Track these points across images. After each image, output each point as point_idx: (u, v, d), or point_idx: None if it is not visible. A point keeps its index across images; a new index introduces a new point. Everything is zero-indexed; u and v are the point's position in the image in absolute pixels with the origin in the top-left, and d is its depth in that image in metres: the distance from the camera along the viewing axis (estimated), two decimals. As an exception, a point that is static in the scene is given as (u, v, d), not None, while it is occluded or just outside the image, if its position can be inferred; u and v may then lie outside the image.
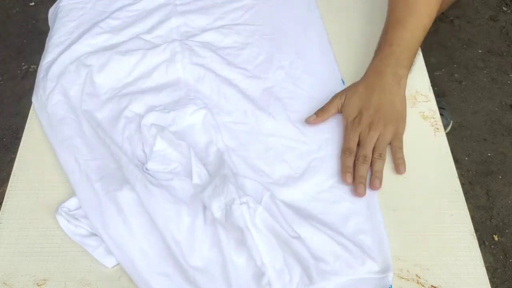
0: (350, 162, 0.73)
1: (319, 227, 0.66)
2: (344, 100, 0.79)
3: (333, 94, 0.82)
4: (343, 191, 0.72)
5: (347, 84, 0.84)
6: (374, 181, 0.72)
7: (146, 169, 0.71)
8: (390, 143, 0.76)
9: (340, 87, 0.84)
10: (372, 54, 0.85)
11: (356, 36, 0.94)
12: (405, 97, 0.80)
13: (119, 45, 0.88)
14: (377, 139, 0.75)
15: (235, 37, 0.92)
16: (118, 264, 0.66)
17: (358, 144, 0.75)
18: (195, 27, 0.93)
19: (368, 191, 0.71)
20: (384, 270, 0.64)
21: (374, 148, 0.75)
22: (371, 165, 0.74)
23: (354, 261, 0.64)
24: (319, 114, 0.79)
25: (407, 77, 0.80)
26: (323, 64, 0.88)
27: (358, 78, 0.85)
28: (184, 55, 0.86)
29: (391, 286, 0.63)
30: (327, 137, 0.78)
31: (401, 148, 0.76)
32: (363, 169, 0.72)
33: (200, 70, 0.85)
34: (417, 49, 0.83)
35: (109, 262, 0.65)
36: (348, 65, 0.89)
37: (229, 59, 0.88)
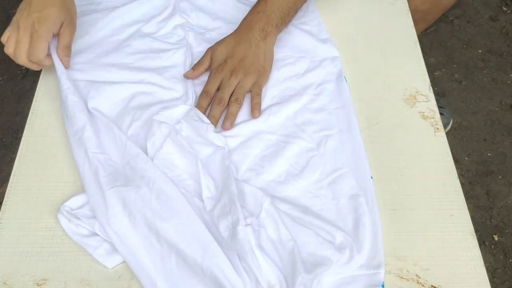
0: (205, 103, 0.79)
1: (317, 230, 0.66)
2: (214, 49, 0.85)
3: (336, 93, 0.83)
4: (343, 188, 0.72)
5: (349, 82, 0.85)
6: (226, 122, 0.77)
7: None
8: (250, 91, 0.82)
9: (343, 85, 0.84)
10: (372, 51, 0.85)
11: (355, 35, 0.95)
12: (271, 53, 0.86)
13: (125, 43, 0.90)
14: (236, 85, 0.81)
15: None
16: (118, 264, 0.66)
17: (218, 89, 0.81)
18: (199, 26, 0.94)
19: (366, 188, 0.72)
20: (376, 266, 0.64)
21: (232, 93, 0.80)
22: (227, 107, 0.79)
23: (347, 259, 0.64)
24: (195, 68, 0.84)
25: (275, 35, 0.86)
26: (327, 61, 0.88)
27: (359, 75, 0.86)
28: (188, 59, 0.88)
29: (383, 284, 0.64)
30: (327, 134, 0.78)
31: (259, 94, 0.81)
32: (216, 110, 0.78)
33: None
34: (291, 11, 0.87)
35: (109, 262, 0.66)
36: (348, 62, 0.89)
37: None
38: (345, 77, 0.86)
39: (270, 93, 0.83)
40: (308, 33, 0.93)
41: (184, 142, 0.72)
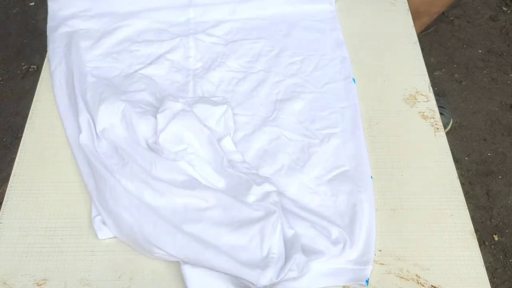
0: None
1: (314, 224, 0.67)
2: None
3: (343, 92, 0.84)
4: (342, 185, 0.72)
5: (353, 73, 0.86)
6: None
7: (155, 143, 0.72)
8: None
9: (351, 86, 0.85)
10: (372, 51, 0.83)
11: (355, 35, 0.95)
12: None
13: (135, 33, 0.92)
14: None
15: (250, 30, 0.93)
16: (117, 259, 0.66)
17: None
18: (212, 19, 0.95)
19: (365, 187, 0.72)
20: (365, 263, 0.65)
21: None
22: None
23: (339, 252, 0.65)
24: None
25: None
26: (336, 61, 0.89)
27: (359, 75, 0.87)
28: (198, 50, 0.89)
29: (367, 279, 0.64)
30: (331, 132, 0.79)
31: None
32: None
33: (211, 62, 0.88)
34: None
35: (101, 234, 0.67)
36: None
37: (242, 51, 0.90)
38: (353, 79, 0.86)
39: (276, 89, 0.84)
40: (321, 31, 0.93)
41: (197, 117, 0.73)
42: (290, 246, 0.64)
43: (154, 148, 0.72)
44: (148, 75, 0.85)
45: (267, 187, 0.68)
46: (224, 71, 0.86)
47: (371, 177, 0.73)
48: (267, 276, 0.59)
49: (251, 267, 0.60)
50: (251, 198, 0.67)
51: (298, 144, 0.77)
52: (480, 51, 1.74)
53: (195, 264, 0.62)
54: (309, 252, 0.65)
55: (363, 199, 0.71)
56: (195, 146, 0.72)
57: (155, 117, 0.73)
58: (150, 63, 0.87)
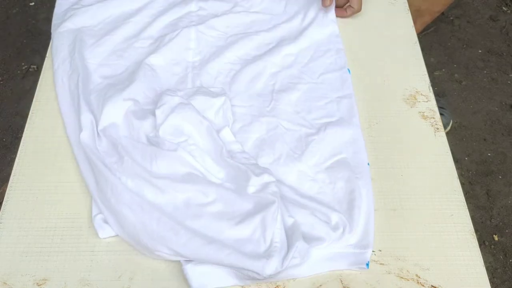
0: None
1: (313, 211, 0.68)
2: None
3: (338, 82, 0.85)
4: (340, 172, 0.73)
5: (353, 73, 0.87)
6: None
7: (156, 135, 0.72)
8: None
9: (346, 76, 0.86)
10: (372, 51, 0.84)
11: (355, 34, 0.95)
12: None
13: (139, 29, 0.93)
14: None
15: (250, 24, 0.95)
16: (117, 259, 0.66)
17: None
18: (213, 12, 0.96)
19: (362, 174, 0.73)
20: (364, 246, 0.66)
21: None
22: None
23: (338, 236, 0.66)
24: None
25: None
26: (331, 52, 0.90)
27: (359, 75, 0.87)
28: (198, 42, 0.91)
29: (368, 262, 0.65)
30: (327, 121, 0.79)
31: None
32: None
33: (209, 55, 0.89)
34: None
35: (102, 233, 0.67)
36: (347, 62, 0.89)
37: (241, 44, 0.90)
38: (348, 69, 0.87)
39: (273, 80, 0.85)
40: (317, 24, 0.94)
41: (195, 109, 0.74)
42: (291, 234, 0.64)
43: (154, 142, 0.72)
44: (149, 68, 0.85)
45: (266, 177, 0.68)
46: (222, 63, 0.88)
47: (368, 163, 0.74)
48: (272, 265, 0.60)
49: (256, 258, 0.61)
50: (251, 189, 0.67)
51: (295, 134, 0.78)
52: (480, 51, 1.74)
53: (199, 260, 0.63)
54: (310, 239, 0.65)
55: (360, 185, 0.71)
56: (195, 138, 0.72)
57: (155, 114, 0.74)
58: (151, 55, 0.87)
